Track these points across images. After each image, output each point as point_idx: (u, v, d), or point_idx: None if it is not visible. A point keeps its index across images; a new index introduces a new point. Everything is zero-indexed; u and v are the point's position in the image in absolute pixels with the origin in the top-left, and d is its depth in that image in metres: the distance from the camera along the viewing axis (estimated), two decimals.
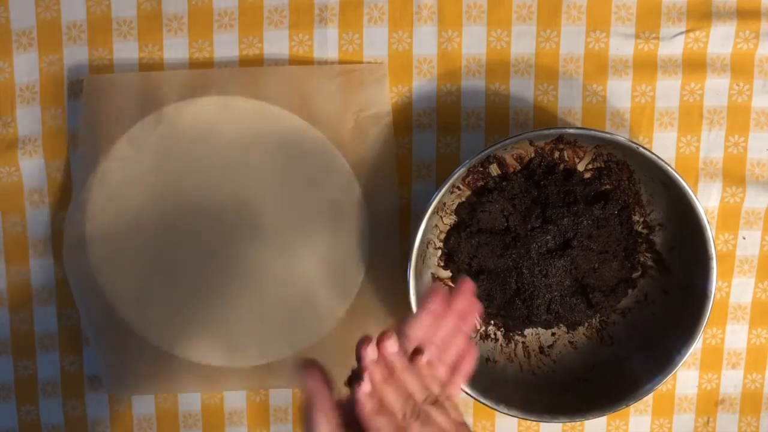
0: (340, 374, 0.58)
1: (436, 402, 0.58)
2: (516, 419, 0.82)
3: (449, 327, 0.61)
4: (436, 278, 0.78)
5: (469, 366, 0.62)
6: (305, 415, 0.56)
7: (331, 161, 0.76)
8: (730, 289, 0.81)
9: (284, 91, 0.76)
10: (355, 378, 0.56)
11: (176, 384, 0.80)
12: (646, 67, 0.78)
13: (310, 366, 0.57)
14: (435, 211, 0.73)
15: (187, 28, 0.76)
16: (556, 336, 0.79)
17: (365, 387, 0.56)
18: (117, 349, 0.78)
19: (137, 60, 0.77)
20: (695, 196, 0.71)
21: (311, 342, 0.78)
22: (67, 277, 0.78)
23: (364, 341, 0.57)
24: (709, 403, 0.83)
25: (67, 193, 0.78)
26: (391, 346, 0.57)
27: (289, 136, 0.76)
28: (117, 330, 0.78)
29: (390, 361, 0.58)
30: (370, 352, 0.56)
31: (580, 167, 0.76)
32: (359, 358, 0.57)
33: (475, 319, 0.64)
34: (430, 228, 0.76)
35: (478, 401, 0.72)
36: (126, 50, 0.76)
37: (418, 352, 0.59)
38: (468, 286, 0.63)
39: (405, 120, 0.78)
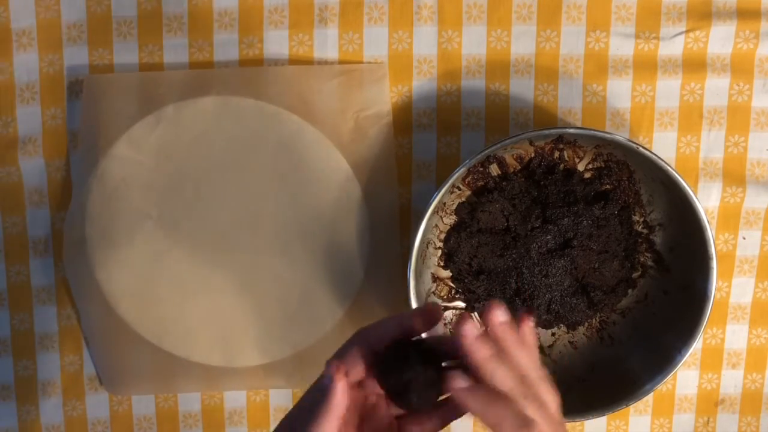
0: None
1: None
2: None
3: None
4: (436, 278, 0.78)
5: None
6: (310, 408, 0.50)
7: (331, 161, 0.76)
8: (730, 289, 0.81)
9: (284, 91, 0.76)
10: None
11: (176, 384, 0.80)
12: (646, 67, 0.78)
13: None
14: (435, 211, 0.73)
15: (187, 28, 0.76)
16: (556, 336, 0.79)
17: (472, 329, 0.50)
18: (117, 349, 0.78)
19: (137, 60, 0.77)
20: (695, 196, 0.71)
21: (311, 342, 0.78)
22: (67, 277, 0.78)
23: (462, 318, 0.49)
24: (709, 403, 0.83)
25: (67, 193, 0.78)
26: (502, 315, 0.50)
27: (289, 136, 0.76)
28: (117, 330, 0.78)
29: (497, 335, 0.51)
30: (471, 329, 0.49)
31: (580, 167, 0.76)
32: (459, 337, 0.49)
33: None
34: (430, 228, 0.76)
35: None
36: (126, 50, 0.76)
37: (527, 316, 0.52)
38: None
39: (405, 120, 0.78)
